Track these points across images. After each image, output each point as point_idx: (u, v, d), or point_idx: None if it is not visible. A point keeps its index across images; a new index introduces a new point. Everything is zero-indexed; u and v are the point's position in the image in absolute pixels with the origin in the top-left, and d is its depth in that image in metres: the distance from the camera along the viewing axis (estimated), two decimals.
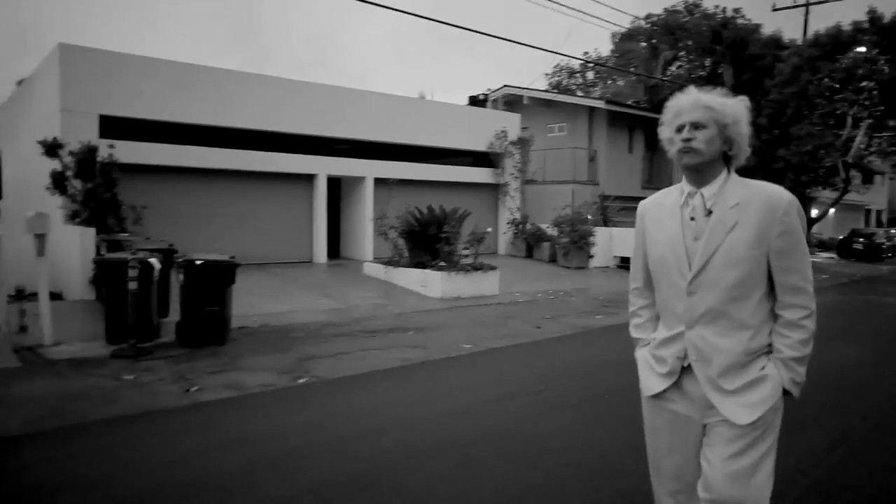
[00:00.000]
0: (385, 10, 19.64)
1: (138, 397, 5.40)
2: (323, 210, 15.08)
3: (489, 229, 14.52)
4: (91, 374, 6.13)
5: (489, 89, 25.79)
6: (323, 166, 15.00)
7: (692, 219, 2.12)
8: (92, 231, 9.51)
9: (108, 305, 7.36)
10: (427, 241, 12.57)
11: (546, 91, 30.32)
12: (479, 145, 17.92)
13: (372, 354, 7.21)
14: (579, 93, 39.38)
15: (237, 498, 3.53)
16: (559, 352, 7.81)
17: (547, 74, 43.32)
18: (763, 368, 2.07)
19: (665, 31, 32.52)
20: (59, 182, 10.56)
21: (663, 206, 2.23)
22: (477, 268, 12.25)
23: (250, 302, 9.88)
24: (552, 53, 53.28)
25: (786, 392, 2.09)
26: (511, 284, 13.13)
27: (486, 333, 8.61)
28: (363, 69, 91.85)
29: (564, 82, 41.96)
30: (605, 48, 57.77)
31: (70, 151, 10.12)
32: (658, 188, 2.64)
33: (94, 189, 9.59)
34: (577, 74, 42.51)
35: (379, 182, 15.54)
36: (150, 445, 4.35)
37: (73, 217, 10.61)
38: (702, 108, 2.07)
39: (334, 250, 16.30)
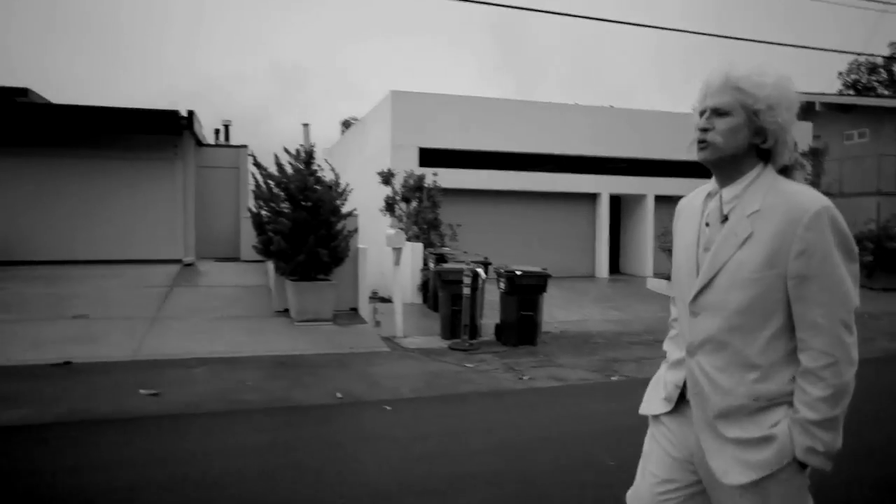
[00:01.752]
0: (642, 27, 19.81)
1: (485, 380, 6.71)
2: (605, 227, 15.89)
3: None
4: (439, 360, 7.65)
5: None
6: (605, 185, 15.82)
7: (707, 224, 1.77)
8: (420, 246, 11.48)
9: (443, 307, 8.97)
10: None
11: (842, 94, 27.47)
12: None
13: None
14: (884, 91, 34.74)
15: (610, 441, 4.44)
16: (883, 372, 7.55)
17: (841, 74, 38.94)
18: (774, 426, 1.63)
19: None
20: (390, 205, 12.89)
21: (692, 206, 1.88)
22: None
23: (547, 311, 11.01)
24: (846, 54, 47.58)
25: (802, 463, 1.62)
26: None
27: None
28: (622, 85, 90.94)
29: (864, 80, 37.32)
30: None
31: (403, 180, 12.32)
32: None
33: (420, 210, 11.57)
34: (881, 70, 37.51)
35: (659, 199, 15.87)
36: (514, 413, 5.53)
37: None
38: (730, 88, 1.67)
39: (614, 265, 16.97)
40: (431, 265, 10.81)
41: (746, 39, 21.65)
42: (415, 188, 11.58)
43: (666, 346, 2.03)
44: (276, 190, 8.63)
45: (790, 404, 1.64)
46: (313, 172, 8.70)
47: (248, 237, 13.97)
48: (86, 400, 5.63)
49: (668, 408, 1.86)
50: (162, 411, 5.35)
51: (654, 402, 1.94)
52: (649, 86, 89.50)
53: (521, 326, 8.53)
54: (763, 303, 1.62)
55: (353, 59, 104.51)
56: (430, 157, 14.02)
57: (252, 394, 5.92)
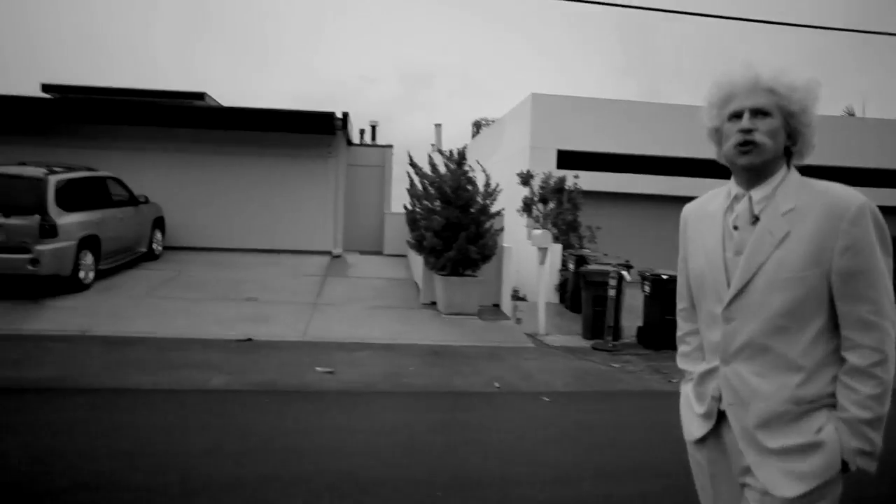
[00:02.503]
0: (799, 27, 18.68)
1: (633, 380, 6.84)
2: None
3: None
4: (584, 359, 7.84)
5: None
6: None
7: (735, 227, 1.72)
8: (559, 247, 11.67)
9: (586, 308, 9.13)
10: None
11: None
12: None
13: None
14: None
15: None
16: None
17: None
18: (820, 431, 1.58)
19: None
20: (527, 206, 13.16)
21: (706, 213, 1.85)
22: None
23: None
24: None
25: (845, 467, 1.60)
26: None
27: None
28: None
29: None
30: None
31: (541, 181, 12.56)
32: None
33: (561, 212, 11.76)
34: None
35: None
36: (671, 413, 5.63)
37: None
38: (763, 90, 1.65)
39: None
40: (571, 266, 10.98)
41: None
42: (556, 190, 11.77)
43: (682, 364, 1.99)
44: (430, 189, 9.14)
45: (830, 407, 1.60)
46: (465, 173, 9.14)
47: (392, 232, 14.80)
48: (273, 372, 6.34)
49: (710, 425, 1.78)
50: (341, 388, 5.94)
51: (692, 423, 1.86)
52: None
53: (665, 330, 8.52)
54: (807, 302, 1.58)
55: (474, 61, 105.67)
56: (568, 160, 14.14)
57: (416, 378, 6.40)
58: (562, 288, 11.60)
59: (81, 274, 9.52)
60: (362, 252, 15.03)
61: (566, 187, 11.96)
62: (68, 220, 9.17)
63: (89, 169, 10.63)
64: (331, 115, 12.91)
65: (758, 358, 1.63)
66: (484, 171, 9.58)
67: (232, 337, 7.73)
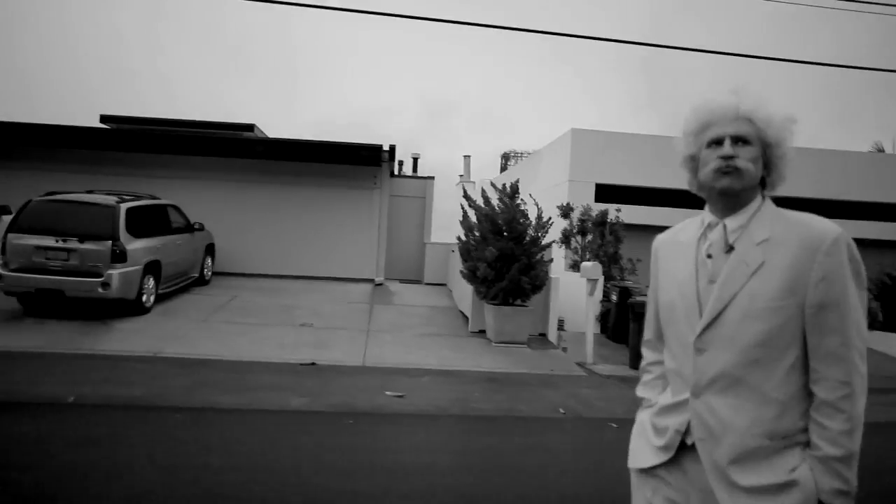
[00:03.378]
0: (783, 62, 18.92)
1: None
2: None
3: None
4: (633, 387, 8.01)
5: None
6: None
7: (709, 256, 1.69)
8: (601, 279, 11.88)
9: (633, 338, 9.33)
10: None
11: None
12: None
13: (879, 409, 7.63)
14: None
15: None
16: None
17: None
18: (794, 470, 1.54)
19: None
20: (566, 237, 13.43)
21: (678, 242, 1.83)
22: None
23: None
24: None
25: None
26: None
27: None
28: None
29: None
30: None
31: (581, 214, 12.86)
32: None
33: (603, 244, 12.03)
34: None
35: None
36: None
37: (573, 266, 13.33)
38: (743, 119, 1.66)
39: None
40: (614, 297, 11.19)
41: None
42: (599, 223, 12.06)
43: (641, 392, 1.97)
44: (485, 222, 9.46)
45: (804, 445, 1.57)
46: (518, 205, 9.45)
47: (432, 262, 15.12)
48: (345, 395, 6.60)
49: (665, 457, 1.73)
50: (415, 411, 6.19)
51: (644, 452, 1.81)
52: (809, 122, 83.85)
53: None
54: (782, 333, 1.56)
55: (494, 94, 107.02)
56: (605, 193, 14.45)
57: (483, 403, 6.64)
58: (604, 318, 11.80)
59: (144, 297, 9.91)
60: (402, 280, 15.35)
61: (608, 220, 12.23)
62: (135, 246, 9.60)
63: (153, 197, 11.10)
64: (378, 148, 13.36)
65: (731, 390, 1.60)
66: (536, 204, 9.89)
67: (296, 361, 8.02)
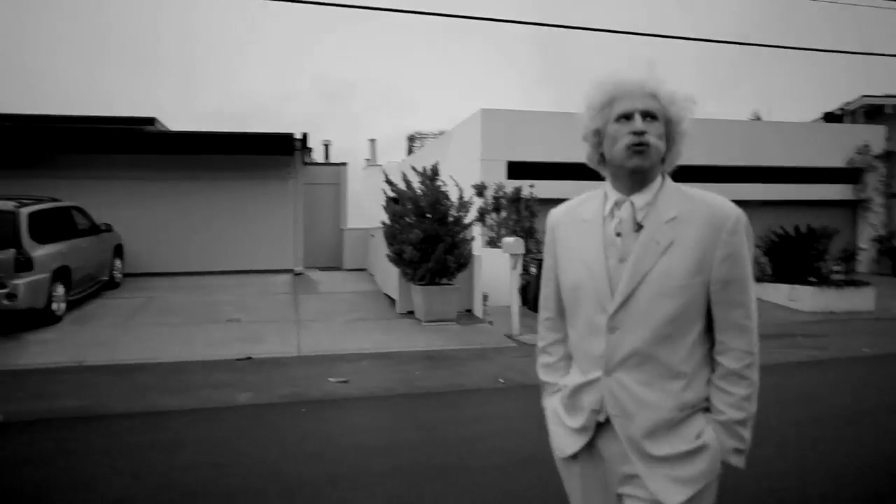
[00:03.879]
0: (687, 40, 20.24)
1: None
2: None
3: (864, 246, 14.48)
4: None
5: (845, 103, 24.47)
6: None
7: (618, 234, 1.70)
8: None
9: None
10: (795, 258, 13.22)
11: None
12: (835, 162, 17.68)
13: (777, 351, 8.49)
14: None
15: None
16: None
17: None
18: (699, 436, 1.65)
19: None
20: (482, 215, 13.83)
21: (580, 219, 1.80)
22: (850, 283, 12.53)
23: None
24: None
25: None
26: (887, 301, 13.03)
27: (882, 341, 9.23)
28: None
29: None
30: None
31: (495, 192, 13.27)
32: None
33: (519, 220, 12.49)
34: None
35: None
36: None
37: (490, 243, 13.76)
38: (648, 95, 1.66)
39: None
40: (533, 270, 11.69)
41: (808, 49, 21.91)
42: (514, 199, 12.49)
43: (545, 376, 1.96)
44: (408, 204, 9.63)
45: (705, 410, 1.67)
46: (439, 187, 9.68)
47: (350, 247, 15.14)
48: (290, 385, 6.65)
49: (585, 439, 1.76)
50: (364, 394, 6.34)
51: (564, 439, 1.83)
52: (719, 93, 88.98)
53: None
54: (689, 309, 1.62)
55: (391, 75, 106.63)
56: (517, 170, 14.93)
57: (426, 381, 6.88)
58: (524, 291, 12.28)
59: (54, 306, 9.43)
60: (322, 268, 15.29)
61: (523, 196, 12.70)
62: (41, 253, 9.10)
63: (54, 199, 10.50)
64: (289, 137, 13.18)
65: (643, 367, 1.64)
66: (457, 184, 10.15)
67: (231, 356, 7.95)
